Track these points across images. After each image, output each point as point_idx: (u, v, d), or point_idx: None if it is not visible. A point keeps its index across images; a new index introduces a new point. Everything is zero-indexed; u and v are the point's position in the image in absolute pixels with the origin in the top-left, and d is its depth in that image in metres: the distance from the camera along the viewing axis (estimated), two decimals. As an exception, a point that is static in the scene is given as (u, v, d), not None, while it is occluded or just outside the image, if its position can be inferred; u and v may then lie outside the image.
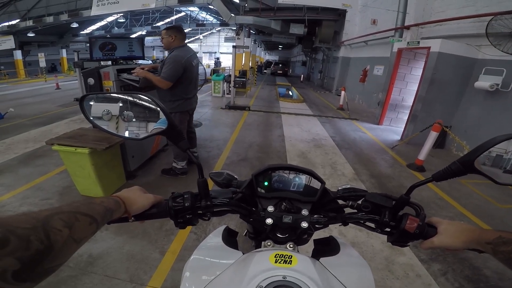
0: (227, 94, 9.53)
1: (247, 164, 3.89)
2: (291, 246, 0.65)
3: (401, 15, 6.95)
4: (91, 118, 0.66)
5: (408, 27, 6.61)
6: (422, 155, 4.02)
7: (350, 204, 0.70)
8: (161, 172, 3.32)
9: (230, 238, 0.74)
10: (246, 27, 12.15)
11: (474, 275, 2.01)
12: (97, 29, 22.22)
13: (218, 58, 31.69)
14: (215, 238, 0.74)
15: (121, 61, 3.26)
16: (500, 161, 0.54)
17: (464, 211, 2.95)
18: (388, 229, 0.63)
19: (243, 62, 12.84)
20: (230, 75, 8.29)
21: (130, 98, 0.69)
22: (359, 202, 0.68)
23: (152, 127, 0.66)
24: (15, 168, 3.44)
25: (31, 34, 16.45)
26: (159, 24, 22.75)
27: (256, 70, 17.56)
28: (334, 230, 2.40)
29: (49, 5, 13.48)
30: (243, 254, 0.65)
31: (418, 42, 5.50)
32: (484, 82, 4.38)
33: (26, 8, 13.85)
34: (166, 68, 2.70)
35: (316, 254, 0.68)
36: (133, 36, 22.38)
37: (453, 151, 5.04)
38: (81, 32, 21.28)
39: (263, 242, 0.67)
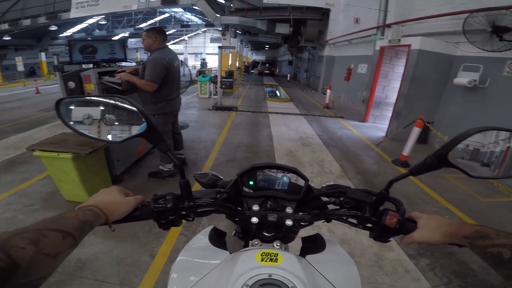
0: (214, 95, 9.48)
1: (235, 165, 3.88)
2: (278, 244, 0.65)
3: (382, 14, 7.11)
4: (70, 123, 0.64)
5: (389, 25, 6.77)
6: (406, 151, 4.14)
7: (332, 200, 0.71)
8: (148, 175, 3.27)
9: (218, 239, 0.74)
10: (232, 27, 12.14)
11: (462, 269, 2.05)
12: (78, 32, 21.61)
13: (204, 59, 31.47)
14: (201, 238, 0.73)
15: (103, 63, 3.19)
16: (477, 155, 0.55)
17: (448, 205, 3.04)
18: (370, 225, 0.64)
19: (229, 63, 12.80)
20: (216, 76, 8.26)
21: (107, 101, 0.67)
22: (341, 198, 0.68)
23: (132, 129, 0.65)
24: (-4, 175, 3.30)
25: (7, 38, 15.81)
26: (142, 25, 22.34)
27: (243, 70, 17.55)
28: (323, 227, 2.43)
29: (26, 8, 13.00)
30: (230, 254, 0.66)
31: (399, 40, 5.64)
32: (462, 78, 4.54)
33: (0, 12, 13.31)
34: (149, 71, 2.66)
35: (304, 252, 0.69)
36: (115, 38, 21.91)
37: (436, 146, 5.20)
38: (61, 35, 20.60)
39: (250, 242, 0.68)
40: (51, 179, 2.73)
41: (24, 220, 2.43)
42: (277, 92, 12.26)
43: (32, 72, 20.72)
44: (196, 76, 12.48)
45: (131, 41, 26.02)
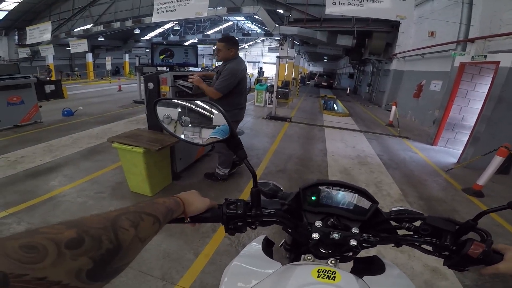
0: (269, 104, 9.62)
1: (285, 176, 3.86)
2: (333, 262, 0.63)
3: (464, 27, 6.39)
4: (165, 124, 0.72)
5: (472, 40, 6.03)
6: (482, 180, 3.59)
7: (406, 226, 0.68)
8: (204, 176, 3.46)
9: (267, 248, 0.74)
10: (290, 37, 12.21)
11: None
12: (156, 36, 24.33)
13: (261, 68, 32.32)
14: (255, 247, 0.75)
15: (176, 67, 3.46)
16: None
17: None
18: (446, 253, 0.61)
19: (286, 73, 12.88)
20: (273, 85, 8.37)
21: (196, 105, 0.73)
22: (416, 224, 0.66)
23: (211, 134, 0.69)
24: (78, 161, 3.89)
25: (101, 39, 18.64)
26: (209, 32, 24.10)
27: (299, 81, 17.47)
28: (371, 250, 2.26)
29: (117, 11, 15.06)
30: (282, 265, 0.65)
31: (485, 56, 4.97)
32: None
33: (98, 14, 15.68)
34: (221, 80, 2.78)
35: (358, 273, 0.65)
36: (186, 43, 24.03)
37: (521, 179, 4.39)
38: (142, 38, 23.48)
39: (302, 256, 0.67)
40: (120, 169, 3.07)
41: (93, 207, 2.74)
42: (335, 105, 11.84)
43: (116, 71, 24.06)
44: (254, 84, 12.87)
45: (199, 47, 28.20)
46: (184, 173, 3.53)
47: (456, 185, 3.96)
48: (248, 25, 25.84)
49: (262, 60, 39.16)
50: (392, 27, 11.07)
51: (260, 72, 27.98)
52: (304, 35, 11.51)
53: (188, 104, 0.75)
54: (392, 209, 0.71)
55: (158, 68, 3.37)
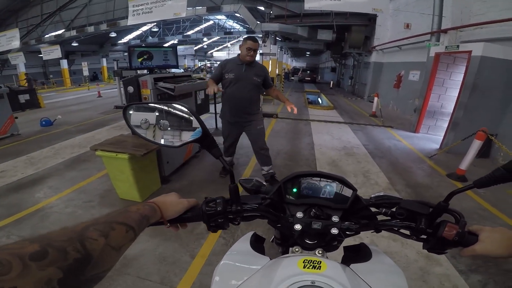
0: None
1: (275, 172, 3.87)
2: (320, 252, 0.64)
3: (437, 19, 6.62)
4: (138, 129, 0.70)
5: (445, 31, 6.28)
6: (464, 165, 3.75)
7: (383, 211, 0.69)
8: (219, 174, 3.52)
9: (257, 244, 0.74)
10: (272, 34, 12.27)
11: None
12: (133, 39, 23.70)
13: (245, 66, 32.18)
14: (243, 243, 0.75)
15: (156, 70, 3.41)
16: None
17: None
18: (424, 236, 0.62)
19: (269, 69, 12.92)
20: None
21: (168, 108, 0.72)
22: (393, 209, 0.66)
23: (186, 135, 0.69)
24: (62, 172, 3.75)
25: (75, 44, 17.92)
26: (189, 33, 23.75)
27: (283, 77, 17.59)
28: (365, 239, 2.32)
29: (90, 15, 14.53)
30: (270, 259, 0.66)
31: (458, 46, 5.18)
32: (536, 87, 4.00)
33: (69, 18, 15.07)
34: (270, 79, 3.14)
35: (347, 261, 0.67)
36: (166, 45, 23.59)
37: (499, 161, 4.62)
38: (119, 42, 22.80)
39: (290, 248, 0.67)
40: (107, 177, 3.01)
41: (82, 216, 2.67)
42: (319, 99, 11.98)
43: (94, 77, 23.31)
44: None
45: (179, 48, 27.77)
46: (173, 177, 3.48)
47: (440, 171, 4.11)
48: (230, 23, 25.64)
49: None
50: (369, 20, 11.32)
51: None
52: (285, 31, 11.59)
53: (159, 107, 0.73)
54: (372, 196, 0.73)
55: (138, 72, 3.31)
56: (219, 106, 8.00)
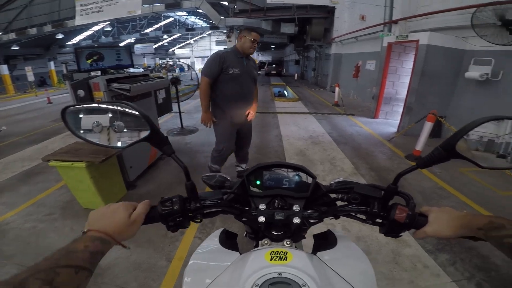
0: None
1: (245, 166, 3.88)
2: (288, 243, 0.64)
3: (388, 10, 7.03)
4: (80, 132, 0.65)
5: (396, 21, 6.67)
6: (419, 146, 4.07)
7: (340, 197, 0.70)
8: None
9: (229, 241, 0.73)
10: (237, 29, 12.17)
11: (484, 264, 1.99)
12: (84, 39, 21.97)
13: (210, 62, 31.63)
14: (211, 241, 0.73)
15: (112, 70, 3.22)
16: (492, 146, 0.54)
17: (466, 199, 2.97)
18: (379, 220, 0.63)
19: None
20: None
21: (110, 107, 0.67)
22: (349, 194, 0.67)
23: (134, 134, 0.65)
24: (15, 187, 3.40)
25: (15, 48, 16.15)
26: (147, 30, 22.66)
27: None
28: (337, 225, 2.42)
29: (31, 17, 13.15)
30: (241, 254, 0.65)
31: (407, 36, 5.57)
32: (474, 72, 4.44)
33: (7, 21, 13.54)
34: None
35: (316, 249, 0.68)
36: (122, 44, 22.27)
37: (449, 140, 5.08)
38: (68, 43, 20.98)
39: (260, 241, 0.67)
40: (68, 188, 2.79)
41: (45, 230, 2.48)
42: (285, 92, 12.18)
43: (42, 82, 21.20)
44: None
45: (138, 47, 26.42)
46: (139, 181, 3.32)
47: (399, 153, 4.41)
48: (192, 19, 24.88)
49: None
50: (328, 12, 11.70)
51: None
52: (250, 26, 11.52)
53: (103, 106, 0.68)
54: (332, 182, 0.74)
55: (92, 73, 3.09)
56: (183, 105, 7.77)
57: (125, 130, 0.65)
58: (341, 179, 0.74)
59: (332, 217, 0.67)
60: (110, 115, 0.65)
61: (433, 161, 0.57)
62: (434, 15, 5.38)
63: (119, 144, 0.66)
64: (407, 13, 6.41)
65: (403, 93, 6.25)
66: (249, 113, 2.84)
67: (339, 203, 0.71)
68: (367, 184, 0.66)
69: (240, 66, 2.58)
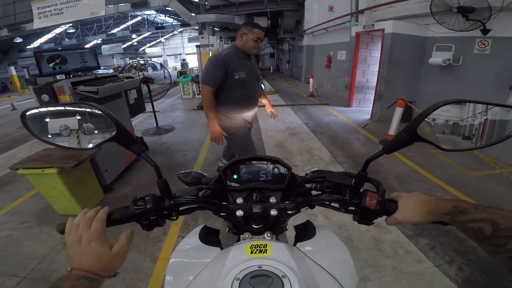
0: (198, 94, 9.37)
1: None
2: (269, 235, 0.64)
3: (354, 0, 7.18)
4: (48, 136, 0.63)
5: (362, 11, 6.81)
6: (391, 131, 4.27)
7: (314, 186, 0.71)
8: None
9: (210, 237, 0.72)
10: (210, 25, 11.96)
11: (462, 247, 2.03)
12: (46, 42, 20.56)
13: (184, 60, 31.01)
14: (191, 239, 0.73)
15: (79, 73, 3.09)
16: (457, 129, 0.56)
17: (439, 182, 3.06)
18: (352, 208, 0.63)
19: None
20: (197, 75, 8.14)
21: (73, 109, 0.65)
22: (323, 183, 0.67)
23: (100, 135, 0.63)
24: (-18, 198, 3.19)
25: (-33, 54, 14.87)
26: (114, 31, 21.65)
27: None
28: (319, 215, 2.47)
29: None
30: (221, 249, 0.66)
31: (373, 25, 5.74)
32: (437, 58, 4.65)
33: None
34: None
35: (297, 240, 0.68)
36: (88, 46, 21.16)
37: (418, 124, 5.34)
38: (28, 47, 19.62)
39: (241, 236, 0.67)
40: (41, 195, 2.68)
41: (20, 238, 2.40)
42: (262, 85, 12.18)
43: (4, 88, 19.76)
44: (177, 77, 12.30)
45: (105, 48, 25.24)
46: (116, 185, 3.23)
47: (374, 139, 4.60)
48: (161, 17, 24.05)
49: (184, 51, 37.93)
50: (299, 5, 11.81)
51: (184, 64, 26.83)
52: (222, 21, 11.35)
53: (64, 109, 0.67)
54: (308, 172, 0.75)
55: (58, 77, 2.95)
56: (157, 104, 7.55)
57: (95, 131, 0.64)
58: (316, 169, 0.75)
59: (307, 207, 0.67)
60: (79, 117, 0.63)
61: (398, 146, 0.58)
62: (397, 3, 5.56)
63: (89, 145, 0.65)
64: (372, 2, 6.54)
65: (373, 81, 6.46)
66: (270, 112, 2.73)
67: (314, 193, 0.71)
68: (339, 172, 0.67)
69: (245, 68, 2.23)
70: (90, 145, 0.64)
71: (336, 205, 0.65)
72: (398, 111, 4.17)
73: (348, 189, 0.62)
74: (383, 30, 5.34)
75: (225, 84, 2.22)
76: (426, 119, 0.55)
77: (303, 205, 0.66)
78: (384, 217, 0.60)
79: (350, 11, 7.31)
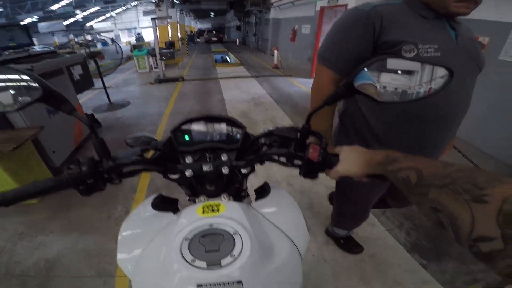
0: (155, 68, 8.81)
1: (188, 133, 3.76)
2: (225, 197, 0.63)
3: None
4: None
5: (327, -14, 6.78)
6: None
7: (263, 141, 0.69)
8: None
9: (167, 206, 0.67)
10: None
11: (409, 212, 2.11)
12: (-31, 23, 17.87)
13: (139, 34, 29.20)
14: (143, 208, 0.67)
15: (12, 51, 2.84)
16: (406, 96, 0.56)
17: None
18: (299, 163, 0.62)
19: (170, 34, 11.85)
20: (154, 49, 7.59)
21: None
22: (271, 138, 0.67)
23: (25, 98, 0.55)
24: None
25: None
26: (54, 7, 19.18)
27: (187, 40, 16.46)
28: (282, 182, 2.50)
29: None
30: (174, 214, 0.62)
31: (337, 0, 5.75)
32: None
33: None
34: None
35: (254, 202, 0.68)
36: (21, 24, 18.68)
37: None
38: None
39: (196, 199, 0.64)
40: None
41: None
42: (227, 57, 11.93)
43: None
44: (131, 51, 11.44)
45: (42, 25, 22.52)
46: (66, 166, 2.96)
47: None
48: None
49: (139, 25, 35.93)
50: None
51: (139, 38, 25.26)
52: None
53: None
54: (264, 131, 0.72)
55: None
56: (109, 79, 7.03)
57: (19, 97, 0.56)
58: (271, 128, 0.72)
59: (258, 162, 0.65)
60: (13, 92, 0.56)
61: (338, 98, 0.59)
62: (361, -22, 5.58)
63: (6, 108, 0.55)
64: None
65: (335, 53, 6.58)
66: None
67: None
68: (287, 126, 0.66)
69: (437, 41, 0.90)
70: (15, 107, 0.55)
71: (284, 159, 0.64)
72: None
73: (294, 142, 0.62)
74: (346, 5, 5.42)
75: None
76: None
77: (254, 161, 0.64)
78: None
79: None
